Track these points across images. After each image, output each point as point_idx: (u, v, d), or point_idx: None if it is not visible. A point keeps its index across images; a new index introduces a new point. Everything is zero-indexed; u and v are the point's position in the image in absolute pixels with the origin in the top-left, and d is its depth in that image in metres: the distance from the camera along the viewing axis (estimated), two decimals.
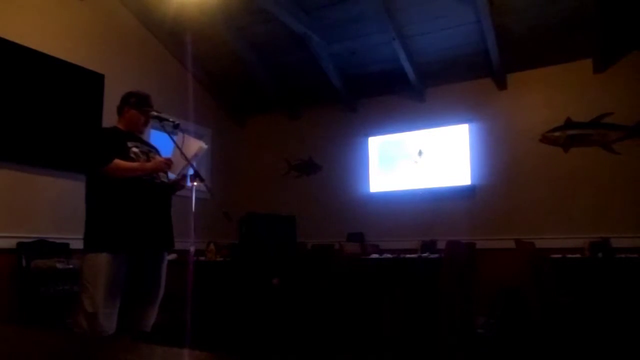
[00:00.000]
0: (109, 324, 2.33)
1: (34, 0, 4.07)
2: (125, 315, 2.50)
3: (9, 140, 3.71)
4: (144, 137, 2.90)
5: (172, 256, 4.44)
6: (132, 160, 2.51)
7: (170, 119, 2.73)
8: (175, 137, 2.73)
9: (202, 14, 4.66)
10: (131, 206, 2.46)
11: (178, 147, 2.66)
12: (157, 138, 4.95)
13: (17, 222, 3.73)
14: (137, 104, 2.68)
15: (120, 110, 2.71)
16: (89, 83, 4.29)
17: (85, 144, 2.67)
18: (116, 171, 2.42)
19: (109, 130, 2.74)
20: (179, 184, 2.74)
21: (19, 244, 3.65)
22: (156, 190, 2.57)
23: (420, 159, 5.19)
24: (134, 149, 2.56)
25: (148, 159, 2.60)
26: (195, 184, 2.82)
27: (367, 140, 5.58)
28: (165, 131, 2.75)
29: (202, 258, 4.51)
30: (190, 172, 2.74)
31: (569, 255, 3.97)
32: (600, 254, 3.88)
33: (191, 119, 5.11)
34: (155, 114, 2.70)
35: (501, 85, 4.90)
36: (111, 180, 2.45)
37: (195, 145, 2.76)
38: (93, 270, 2.35)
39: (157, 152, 2.78)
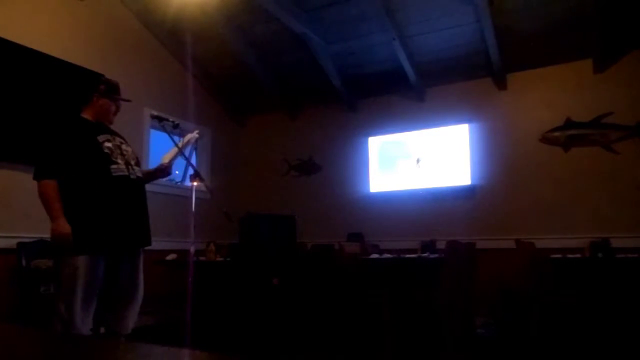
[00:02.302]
0: (85, 328, 2.26)
1: (33, 0, 4.07)
2: (104, 318, 2.43)
3: (8, 140, 3.71)
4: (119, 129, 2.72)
5: (172, 256, 4.44)
6: (107, 155, 2.35)
7: (170, 119, 2.73)
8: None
9: (202, 14, 4.66)
10: (106, 204, 2.33)
11: (178, 147, 2.67)
12: (157, 137, 4.95)
13: (17, 222, 3.73)
14: (107, 91, 2.52)
15: (88, 98, 2.51)
16: (88, 83, 4.29)
17: (40, 147, 2.42)
18: (41, 191, 2.27)
19: (74, 125, 2.46)
20: (157, 173, 2.68)
21: (19, 244, 3.64)
22: (132, 186, 2.43)
23: (419, 167, 5.18)
24: (107, 144, 2.39)
25: (121, 153, 2.44)
26: (195, 183, 2.82)
27: (367, 140, 5.57)
28: (165, 131, 2.75)
29: (202, 258, 4.51)
30: (190, 172, 2.74)
31: (569, 255, 3.97)
32: (600, 254, 3.87)
33: (191, 119, 5.11)
34: (155, 113, 2.70)
35: (501, 85, 4.90)
36: (83, 179, 2.32)
37: (189, 136, 2.80)
38: (71, 274, 2.24)
39: (127, 143, 2.58)
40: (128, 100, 2.65)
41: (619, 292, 3.54)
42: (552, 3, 4.08)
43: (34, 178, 2.30)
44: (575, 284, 3.77)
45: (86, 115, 2.50)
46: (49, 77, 4.01)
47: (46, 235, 3.73)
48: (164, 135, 2.79)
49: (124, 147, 2.50)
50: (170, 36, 5.19)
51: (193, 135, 2.81)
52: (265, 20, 4.67)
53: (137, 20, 4.99)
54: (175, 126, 2.73)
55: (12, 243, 3.62)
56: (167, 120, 2.74)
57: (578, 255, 3.99)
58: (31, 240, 3.70)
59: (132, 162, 2.48)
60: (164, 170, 2.67)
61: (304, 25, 4.55)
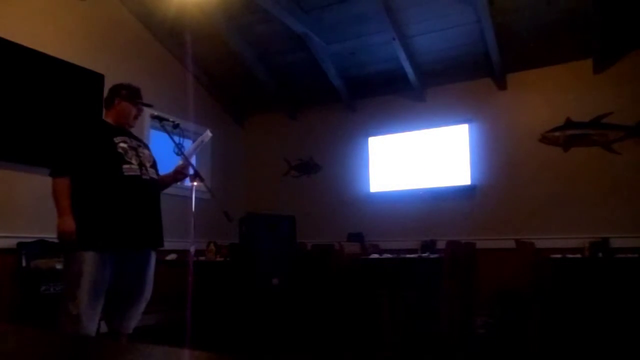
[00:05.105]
0: (92, 325, 2.24)
1: (34, 1, 4.07)
2: (108, 316, 2.42)
3: (9, 140, 3.71)
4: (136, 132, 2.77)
5: (172, 256, 4.45)
6: (120, 155, 2.38)
7: (170, 119, 2.73)
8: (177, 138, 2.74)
9: (202, 14, 4.66)
10: (114, 202, 2.35)
11: (182, 153, 2.68)
12: (157, 138, 4.95)
13: (17, 222, 3.73)
14: (128, 96, 2.58)
15: (109, 102, 2.58)
16: (88, 83, 4.29)
17: (57, 145, 2.49)
18: (55, 188, 2.33)
19: (93, 126, 2.57)
20: (177, 175, 2.69)
21: (19, 244, 3.65)
22: (143, 187, 2.45)
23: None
24: (122, 145, 2.43)
25: (137, 154, 2.47)
26: (195, 183, 2.82)
27: (367, 140, 5.57)
28: (165, 131, 2.75)
29: (202, 258, 4.51)
30: (191, 171, 2.74)
31: (569, 255, 3.97)
32: (600, 254, 3.88)
33: (191, 119, 5.11)
34: (155, 113, 2.70)
35: (501, 85, 4.90)
36: (94, 177, 2.36)
37: (204, 136, 2.82)
38: (78, 269, 2.23)
39: (146, 146, 2.63)
40: (149, 105, 2.68)
41: (618, 292, 3.54)
42: (552, 3, 4.08)
43: (50, 175, 2.36)
44: (575, 284, 3.77)
45: (108, 118, 2.58)
46: (48, 77, 4.01)
47: (46, 235, 3.78)
48: (165, 136, 2.79)
49: (140, 149, 2.53)
50: (170, 36, 5.20)
51: (207, 134, 2.82)
52: (265, 20, 4.67)
53: (138, 21, 4.99)
54: (176, 126, 2.72)
55: (12, 243, 3.62)
56: (167, 120, 2.74)
57: (578, 255, 4.00)
58: (31, 240, 3.71)
59: (147, 165, 2.51)
60: (181, 172, 2.68)
61: (304, 25, 4.55)
